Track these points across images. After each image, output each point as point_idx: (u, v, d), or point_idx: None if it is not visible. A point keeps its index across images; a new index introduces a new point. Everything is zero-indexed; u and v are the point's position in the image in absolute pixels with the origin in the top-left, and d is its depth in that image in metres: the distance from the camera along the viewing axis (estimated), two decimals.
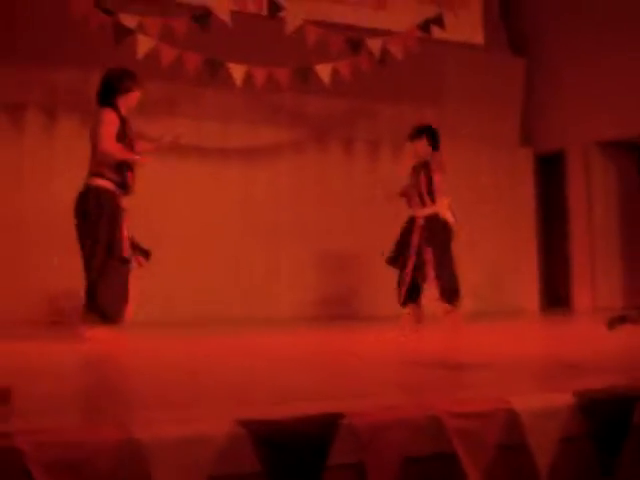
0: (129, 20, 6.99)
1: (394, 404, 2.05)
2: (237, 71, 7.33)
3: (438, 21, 8.01)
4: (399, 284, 6.28)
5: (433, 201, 6.26)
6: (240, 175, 8.19)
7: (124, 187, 5.19)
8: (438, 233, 6.19)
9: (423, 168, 6.32)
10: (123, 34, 6.96)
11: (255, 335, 5.54)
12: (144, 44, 6.99)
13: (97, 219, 4.99)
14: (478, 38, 9.62)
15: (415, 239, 6.22)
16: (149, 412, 2.13)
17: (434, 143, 6.47)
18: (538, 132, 9.98)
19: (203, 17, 7.20)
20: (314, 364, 3.53)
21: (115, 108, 5.23)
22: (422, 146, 6.39)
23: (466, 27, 9.27)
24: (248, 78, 7.39)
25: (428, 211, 6.33)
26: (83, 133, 7.48)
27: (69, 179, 7.36)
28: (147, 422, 1.85)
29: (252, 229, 8.11)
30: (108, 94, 5.29)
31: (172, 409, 2.16)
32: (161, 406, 2.27)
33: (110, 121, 5.14)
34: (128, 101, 5.32)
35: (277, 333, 5.85)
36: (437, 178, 6.38)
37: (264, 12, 7.59)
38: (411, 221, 6.39)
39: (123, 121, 5.25)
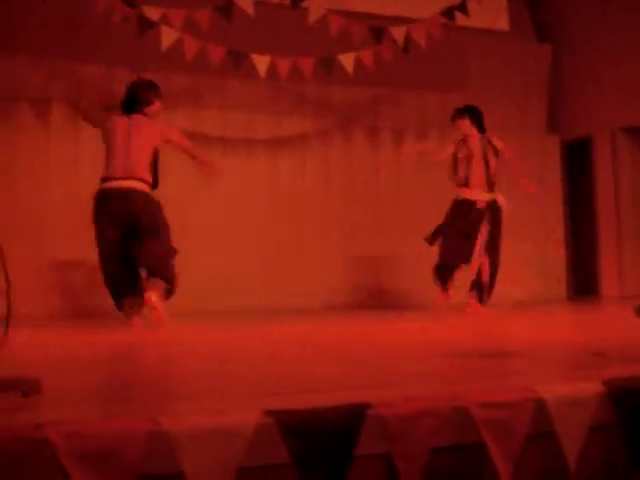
0: (153, 12, 7.02)
1: (421, 394, 2.05)
2: (261, 62, 7.33)
3: (462, 8, 7.95)
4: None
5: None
6: (265, 166, 8.22)
7: (155, 186, 5.56)
8: (497, 220, 6.27)
9: (493, 153, 6.41)
10: (147, 26, 6.99)
11: (283, 325, 5.56)
12: (168, 36, 7.01)
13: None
14: (503, 24, 9.55)
15: (474, 223, 6.20)
16: (178, 403, 2.15)
17: (478, 124, 6.35)
18: (565, 119, 9.90)
19: (226, 8, 7.21)
20: (341, 353, 3.54)
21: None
22: (465, 125, 6.53)
23: (490, 13, 9.20)
24: (272, 69, 7.39)
25: (490, 197, 6.33)
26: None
27: (93, 172, 7.46)
28: (176, 413, 1.87)
29: (278, 219, 8.12)
30: (132, 104, 5.61)
31: (201, 400, 2.17)
32: (190, 397, 2.29)
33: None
34: (150, 112, 5.63)
35: (305, 323, 5.86)
36: (517, 164, 6.49)
37: (287, 2, 7.57)
38: (467, 204, 6.26)
39: None
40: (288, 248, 8.13)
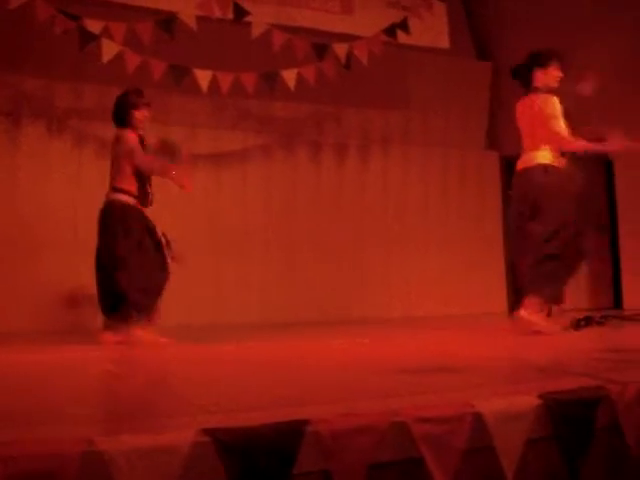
0: (94, 25, 6.95)
1: (360, 410, 2.05)
2: (203, 76, 7.32)
3: (403, 26, 8.07)
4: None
5: None
6: (206, 180, 8.17)
7: (144, 202, 5.63)
8: None
9: None
10: (88, 39, 6.93)
11: (223, 343, 5.51)
12: (109, 49, 6.96)
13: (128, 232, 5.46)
14: (444, 43, 9.67)
15: None
16: (113, 423, 2.11)
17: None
18: (505, 135, 10.05)
19: (168, 22, 7.19)
20: (280, 370, 3.52)
21: (133, 128, 5.56)
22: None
23: (431, 32, 9.31)
24: (214, 83, 7.38)
25: None
26: (48, 140, 7.49)
27: (33, 186, 7.36)
28: (111, 433, 1.84)
29: (220, 235, 8.08)
30: (122, 114, 5.59)
31: (137, 419, 2.14)
32: (125, 416, 2.25)
33: (133, 139, 5.51)
34: (139, 117, 5.61)
35: (245, 339, 5.83)
36: None
37: (229, 17, 7.57)
38: None
39: (141, 140, 5.60)
40: (228, 263, 8.09)
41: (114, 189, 5.52)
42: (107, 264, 5.47)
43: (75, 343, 5.54)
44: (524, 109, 5.42)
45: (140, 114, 5.59)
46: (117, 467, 1.67)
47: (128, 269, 5.37)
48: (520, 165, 5.32)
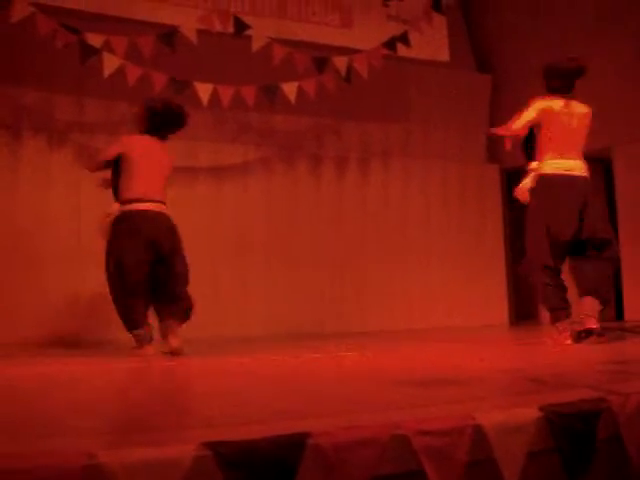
0: (95, 39, 6.99)
1: (361, 423, 2.04)
2: (203, 90, 7.35)
3: (404, 39, 8.11)
4: None
5: None
6: (207, 194, 8.19)
7: None
8: None
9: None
10: (89, 53, 6.97)
11: (224, 355, 5.51)
12: (110, 63, 6.99)
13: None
14: (444, 56, 9.71)
15: None
16: (114, 436, 2.11)
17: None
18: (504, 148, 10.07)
19: (169, 36, 7.22)
20: (281, 383, 3.52)
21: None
22: None
23: (432, 45, 9.35)
24: (214, 97, 7.41)
25: None
26: (49, 153, 7.51)
27: (34, 199, 7.38)
28: (112, 446, 1.83)
29: (221, 248, 8.09)
30: (167, 127, 5.65)
31: (138, 432, 2.14)
32: (126, 429, 2.25)
33: None
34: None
35: (246, 352, 5.82)
36: None
37: (230, 31, 7.60)
38: None
39: None
40: (230, 276, 8.10)
41: (163, 202, 5.54)
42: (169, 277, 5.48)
43: (78, 354, 5.54)
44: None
45: None
46: None
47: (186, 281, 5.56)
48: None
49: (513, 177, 10.00)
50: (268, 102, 7.77)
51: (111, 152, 5.52)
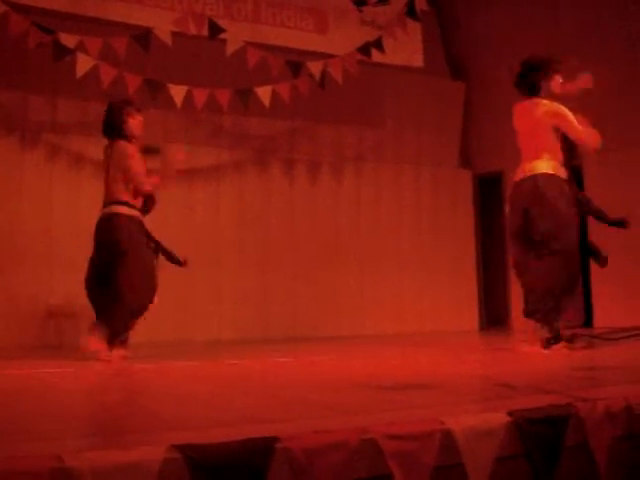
0: (69, 39, 6.93)
1: (330, 427, 2.05)
2: (177, 92, 7.32)
3: (378, 44, 8.13)
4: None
5: None
6: (180, 196, 8.14)
7: (145, 212, 5.65)
8: None
9: None
10: (62, 53, 6.90)
11: (194, 360, 5.49)
12: (84, 63, 6.94)
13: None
14: (418, 61, 9.76)
15: None
16: (83, 439, 2.10)
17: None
18: (477, 154, 10.15)
19: (144, 37, 7.18)
20: (251, 387, 3.51)
21: (129, 140, 5.50)
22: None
23: (406, 51, 9.41)
24: (188, 99, 7.38)
25: None
26: (21, 152, 7.44)
27: (5, 198, 7.31)
28: (80, 449, 1.82)
29: (192, 250, 8.03)
30: (116, 126, 5.52)
31: (106, 435, 2.13)
32: (95, 432, 2.24)
33: (136, 154, 5.47)
34: (136, 125, 5.59)
35: (216, 357, 5.81)
36: None
37: (205, 34, 7.58)
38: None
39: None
40: (202, 279, 8.06)
41: (118, 202, 5.42)
42: (113, 278, 5.32)
43: (48, 358, 5.49)
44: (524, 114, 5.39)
45: (136, 122, 5.58)
46: None
47: (134, 286, 5.31)
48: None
49: (485, 183, 10.12)
50: (242, 105, 7.76)
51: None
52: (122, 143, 5.48)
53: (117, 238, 5.32)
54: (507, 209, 5.41)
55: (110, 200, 5.43)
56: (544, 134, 5.26)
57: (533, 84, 5.35)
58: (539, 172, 5.19)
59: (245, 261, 8.38)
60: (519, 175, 5.30)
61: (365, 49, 8.17)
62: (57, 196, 7.45)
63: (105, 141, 5.66)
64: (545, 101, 5.31)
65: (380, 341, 7.41)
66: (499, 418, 2.22)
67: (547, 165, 5.20)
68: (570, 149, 5.39)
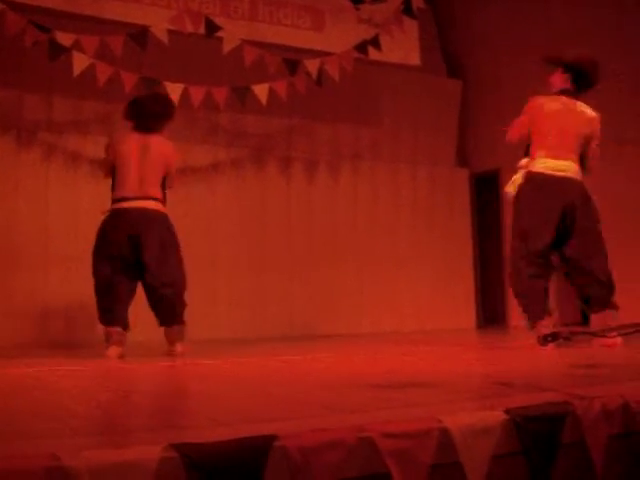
0: (65, 38, 6.92)
1: (327, 425, 2.05)
2: (174, 90, 7.31)
3: (375, 42, 8.12)
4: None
5: None
6: (176, 194, 8.11)
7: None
8: None
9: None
10: (58, 51, 6.90)
11: (191, 358, 5.49)
12: (80, 62, 6.93)
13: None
14: (415, 59, 9.77)
15: None
16: (79, 438, 2.10)
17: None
18: (474, 152, 10.15)
19: (140, 35, 7.18)
20: (248, 385, 3.51)
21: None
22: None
23: (403, 49, 9.41)
24: (185, 97, 7.37)
25: None
26: (17, 151, 7.43)
27: (2, 198, 7.30)
28: (77, 448, 1.82)
29: (188, 249, 8.02)
30: (162, 119, 5.64)
31: (103, 434, 2.13)
32: (91, 431, 2.23)
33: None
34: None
35: (214, 355, 5.80)
36: None
37: (201, 32, 7.58)
38: None
39: None
40: (198, 278, 8.04)
41: (156, 199, 5.50)
42: (159, 276, 5.48)
43: (44, 357, 5.48)
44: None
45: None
46: None
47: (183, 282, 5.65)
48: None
49: (482, 181, 10.13)
50: (239, 103, 7.76)
51: (108, 155, 5.58)
52: (166, 140, 5.59)
53: (173, 232, 5.61)
54: (535, 202, 5.31)
55: (146, 195, 5.45)
56: (578, 139, 5.30)
57: (585, 89, 5.37)
58: (579, 178, 5.26)
59: (242, 259, 8.37)
60: (551, 168, 5.25)
61: (362, 47, 8.16)
62: (53, 195, 7.44)
63: (101, 139, 5.68)
64: (590, 109, 5.35)
65: (377, 339, 7.41)
66: (496, 416, 2.22)
67: (580, 171, 5.27)
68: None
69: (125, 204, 5.40)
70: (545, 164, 5.25)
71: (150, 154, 5.49)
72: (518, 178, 5.38)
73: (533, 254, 5.23)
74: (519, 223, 5.34)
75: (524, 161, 5.40)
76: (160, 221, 5.52)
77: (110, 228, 5.40)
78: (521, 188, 5.32)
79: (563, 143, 5.28)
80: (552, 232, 5.22)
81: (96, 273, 5.43)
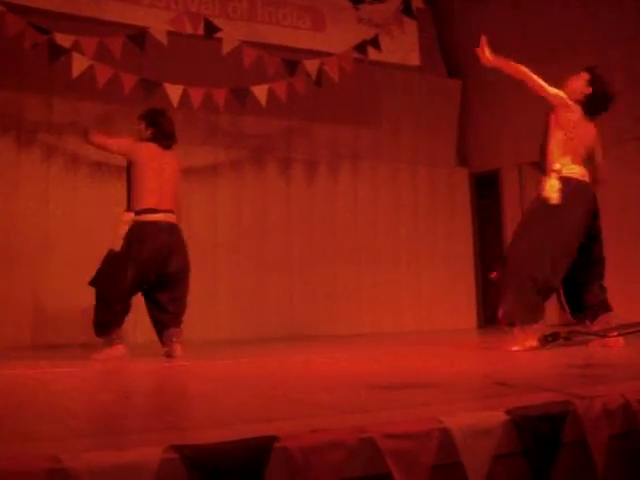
0: (64, 39, 6.93)
1: (328, 426, 2.04)
2: (173, 91, 7.32)
3: (374, 42, 8.13)
4: None
5: None
6: None
7: None
8: None
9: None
10: (58, 53, 6.90)
11: (191, 359, 5.48)
12: (79, 63, 6.94)
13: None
14: (414, 60, 9.77)
15: None
16: (80, 439, 2.09)
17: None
18: (474, 152, 10.14)
19: (139, 37, 7.18)
20: (249, 386, 3.51)
21: None
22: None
23: (402, 49, 9.41)
24: (185, 98, 7.38)
25: None
26: (17, 153, 7.43)
27: (2, 199, 7.30)
28: (77, 450, 1.82)
29: (190, 250, 8.03)
30: (174, 136, 5.73)
31: (103, 435, 2.12)
32: (92, 432, 2.23)
33: None
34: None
35: (213, 356, 5.80)
36: None
37: (200, 33, 7.58)
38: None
39: None
40: (199, 279, 8.03)
41: (172, 212, 5.54)
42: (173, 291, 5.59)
43: (44, 358, 5.48)
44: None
45: None
46: None
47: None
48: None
49: (482, 181, 10.12)
50: (239, 104, 7.76)
51: (122, 144, 5.61)
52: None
53: (186, 250, 5.69)
54: (575, 207, 5.15)
55: (168, 208, 5.50)
56: (586, 150, 5.30)
57: (601, 112, 5.37)
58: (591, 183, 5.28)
59: (242, 259, 8.37)
60: (579, 174, 5.22)
61: (361, 47, 8.17)
62: (53, 196, 7.44)
63: None
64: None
65: (378, 340, 7.41)
66: (497, 416, 2.22)
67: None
68: None
69: (153, 216, 5.41)
70: (574, 170, 5.21)
71: (170, 169, 5.59)
72: (555, 183, 5.11)
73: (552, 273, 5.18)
74: (555, 233, 5.13)
75: (557, 165, 5.21)
76: (182, 237, 5.64)
77: (143, 240, 5.36)
78: (564, 194, 5.12)
79: (577, 151, 5.28)
80: (576, 250, 5.18)
81: (114, 283, 5.30)
